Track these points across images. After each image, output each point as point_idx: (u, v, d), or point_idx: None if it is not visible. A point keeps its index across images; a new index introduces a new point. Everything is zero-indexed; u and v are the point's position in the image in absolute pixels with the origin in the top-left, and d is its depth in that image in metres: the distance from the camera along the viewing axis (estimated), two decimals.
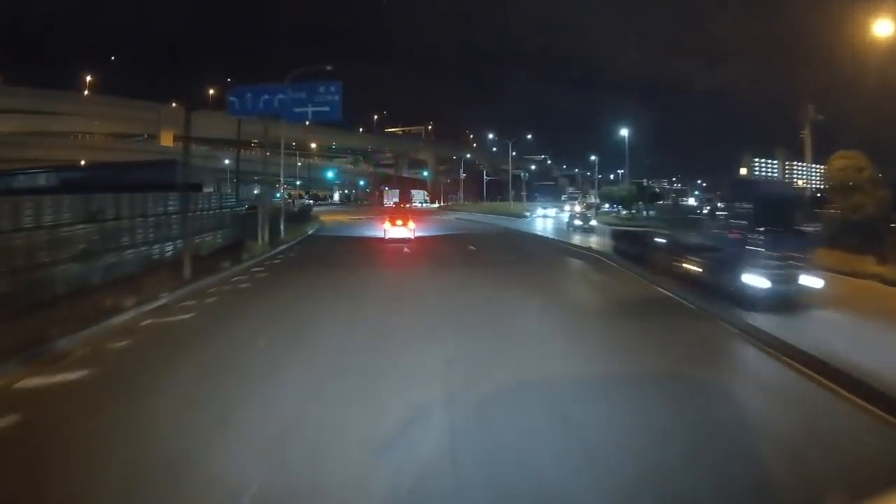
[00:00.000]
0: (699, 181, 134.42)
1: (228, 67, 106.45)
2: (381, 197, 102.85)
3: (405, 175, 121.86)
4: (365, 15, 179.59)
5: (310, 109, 25.90)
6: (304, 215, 48.00)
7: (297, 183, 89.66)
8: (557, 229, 41.72)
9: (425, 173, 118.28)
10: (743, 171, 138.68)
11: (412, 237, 30.36)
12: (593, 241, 28.30)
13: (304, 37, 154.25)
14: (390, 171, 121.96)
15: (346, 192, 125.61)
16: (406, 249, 25.99)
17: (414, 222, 31.92)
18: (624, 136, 60.00)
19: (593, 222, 39.29)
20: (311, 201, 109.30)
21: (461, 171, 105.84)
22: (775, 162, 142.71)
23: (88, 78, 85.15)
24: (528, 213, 65.51)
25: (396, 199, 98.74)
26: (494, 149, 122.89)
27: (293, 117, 29.47)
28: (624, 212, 59.00)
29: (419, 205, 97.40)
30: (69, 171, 36.74)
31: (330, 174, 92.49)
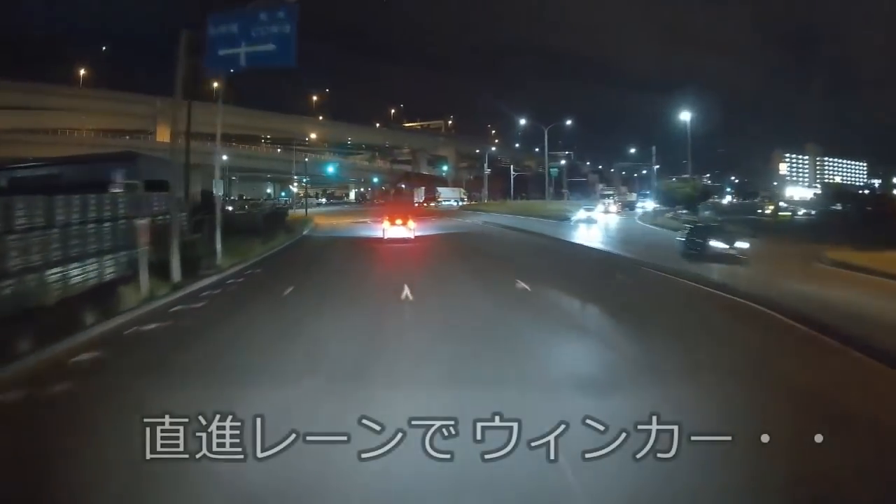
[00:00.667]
0: (732, 178, 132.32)
1: None
2: (397, 195, 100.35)
3: (424, 172, 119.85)
4: (383, 12, 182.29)
5: (244, 50, 18.04)
6: (274, 223, 38.64)
7: (304, 180, 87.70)
8: (650, 245, 30.31)
9: (445, 168, 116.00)
10: (783, 168, 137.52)
11: (412, 236, 32.35)
12: (772, 289, 15.54)
13: (314, 34, 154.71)
14: (408, 168, 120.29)
15: (361, 190, 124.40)
16: (408, 294, 15.63)
17: (414, 221, 33.96)
18: (685, 124, 55.82)
19: (743, 244, 23.44)
20: (324, 200, 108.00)
21: (485, 166, 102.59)
22: (806, 158, 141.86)
23: (83, 72, 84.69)
24: (570, 215, 54.53)
25: (421, 199, 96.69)
26: (517, 144, 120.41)
27: (217, 65, 19.73)
28: (683, 211, 54.91)
29: (455, 203, 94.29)
30: (13, 170, 34.10)
31: (331, 169, 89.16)
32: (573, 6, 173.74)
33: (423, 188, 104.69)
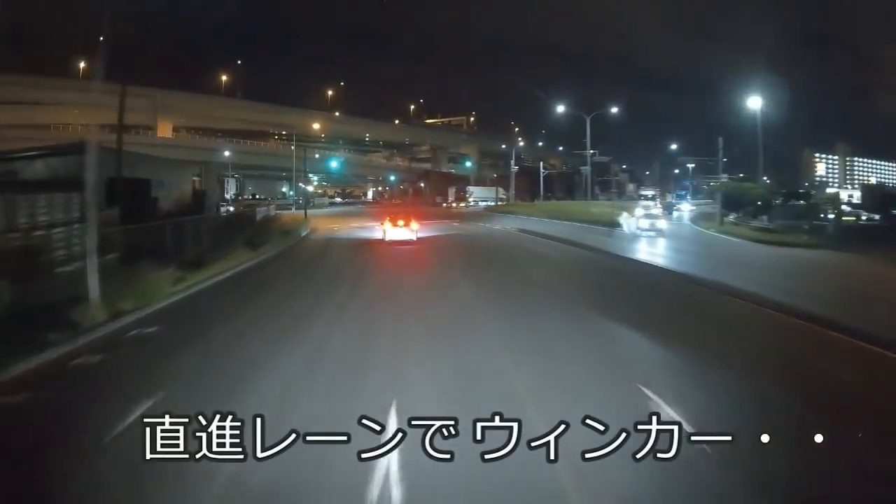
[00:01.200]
0: (765, 178, 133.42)
1: (242, 55, 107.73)
2: (416, 195, 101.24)
3: (444, 170, 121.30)
4: (401, 9, 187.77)
5: None
6: (232, 232, 30.29)
7: (315, 178, 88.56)
8: (791, 275, 23.42)
9: (468, 163, 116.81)
10: (820, 168, 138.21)
11: (414, 238, 32.68)
12: None
13: (332, 31, 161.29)
14: (427, 166, 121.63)
15: (379, 189, 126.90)
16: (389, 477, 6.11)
17: (417, 223, 34.19)
18: (754, 112, 50.40)
19: None
20: (339, 200, 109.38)
21: (512, 163, 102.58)
22: (835, 158, 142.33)
23: (82, 65, 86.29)
24: (621, 221, 47.00)
25: (451, 199, 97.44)
26: (541, 143, 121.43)
27: None
28: (732, 215, 50.79)
29: (493, 203, 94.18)
30: None
31: (334, 164, 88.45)
32: (594, 5, 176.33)
33: (454, 188, 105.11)
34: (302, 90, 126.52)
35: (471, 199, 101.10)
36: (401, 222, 33.52)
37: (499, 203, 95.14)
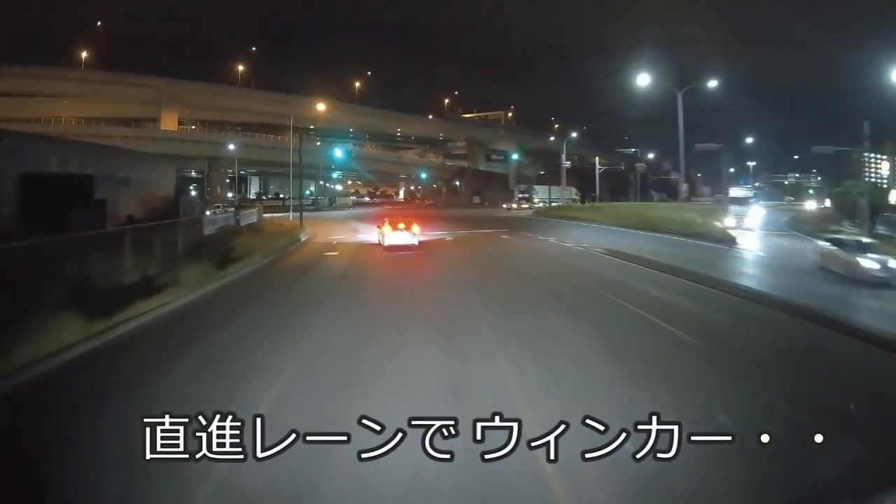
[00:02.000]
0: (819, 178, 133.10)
1: (259, 47, 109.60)
2: (449, 194, 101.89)
3: (482, 168, 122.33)
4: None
5: None
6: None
7: (335, 175, 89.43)
8: None
9: (515, 156, 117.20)
10: (884, 167, 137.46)
11: (415, 242, 33.97)
12: None
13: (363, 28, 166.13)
14: (464, 164, 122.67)
15: (412, 188, 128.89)
16: None
17: (419, 226, 35.61)
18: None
19: None
20: (367, 199, 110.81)
21: (563, 158, 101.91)
22: (883, 157, 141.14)
23: (84, 55, 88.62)
24: (735, 235, 40.24)
25: (518, 198, 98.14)
26: (574, 137, 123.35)
27: None
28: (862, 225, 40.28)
29: (559, 204, 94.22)
30: None
31: (339, 153, 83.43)
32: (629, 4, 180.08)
33: (518, 187, 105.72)
34: (323, 82, 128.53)
35: (537, 201, 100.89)
36: (401, 226, 34.93)
37: (551, 205, 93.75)
